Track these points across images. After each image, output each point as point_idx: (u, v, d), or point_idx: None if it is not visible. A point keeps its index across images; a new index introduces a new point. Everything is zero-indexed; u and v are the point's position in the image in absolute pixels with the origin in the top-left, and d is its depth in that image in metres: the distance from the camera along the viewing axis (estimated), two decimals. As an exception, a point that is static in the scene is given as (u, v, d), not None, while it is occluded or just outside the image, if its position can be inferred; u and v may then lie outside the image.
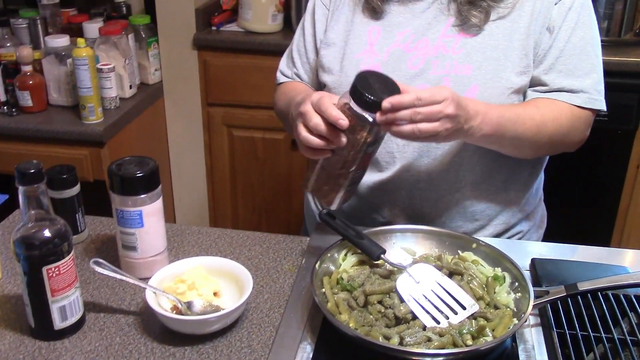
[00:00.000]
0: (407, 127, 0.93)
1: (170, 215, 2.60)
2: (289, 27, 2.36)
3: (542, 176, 1.31)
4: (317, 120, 0.96)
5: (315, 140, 0.98)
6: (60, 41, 2.05)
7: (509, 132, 1.07)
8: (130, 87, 2.21)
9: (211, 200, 2.56)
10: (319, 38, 1.26)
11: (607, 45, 1.77)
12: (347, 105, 0.94)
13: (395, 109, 0.92)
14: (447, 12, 1.14)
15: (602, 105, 1.15)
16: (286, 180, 2.46)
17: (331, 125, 0.95)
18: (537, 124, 1.09)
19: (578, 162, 2.02)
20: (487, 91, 1.10)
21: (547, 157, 1.28)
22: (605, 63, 1.19)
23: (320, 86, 1.26)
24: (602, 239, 2.31)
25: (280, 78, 1.38)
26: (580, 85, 1.13)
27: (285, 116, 1.24)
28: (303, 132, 0.99)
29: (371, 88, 0.93)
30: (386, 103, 0.92)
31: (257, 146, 2.43)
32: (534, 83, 1.15)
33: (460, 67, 1.11)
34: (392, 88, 0.95)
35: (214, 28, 2.36)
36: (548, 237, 1.34)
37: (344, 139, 0.95)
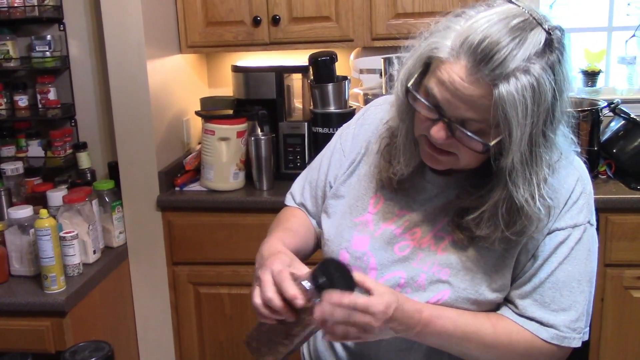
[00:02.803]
0: (340, 329, 0.96)
1: (137, 380, 2.51)
2: (250, 184, 2.42)
3: None
4: (271, 295, 0.97)
5: (265, 311, 0.99)
6: (23, 212, 2.06)
7: (451, 345, 1.08)
8: (94, 252, 2.21)
9: (179, 361, 2.49)
10: (329, 180, 1.29)
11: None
12: (304, 286, 0.97)
13: (333, 304, 0.95)
14: (444, 212, 1.13)
15: (572, 344, 1.09)
16: (255, 336, 2.41)
17: (285, 300, 0.96)
18: (486, 345, 1.07)
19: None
20: (457, 300, 1.09)
21: None
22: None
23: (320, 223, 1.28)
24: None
25: (288, 200, 1.40)
26: (553, 320, 1.08)
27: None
28: (256, 299, 1.00)
29: (331, 277, 0.97)
30: (327, 297, 0.95)
31: (224, 302, 2.41)
32: (509, 300, 1.12)
33: (439, 268, 1.10)
34: (349, 283, 0.98)
35: (177, 189, 2.42)
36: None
37: (292, 319, 0.96)
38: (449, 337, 1.06)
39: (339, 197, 1.25)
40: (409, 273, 1.12)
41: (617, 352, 2.27)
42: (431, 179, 1.16)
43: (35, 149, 2.54)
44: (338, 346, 1.23)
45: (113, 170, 2.46)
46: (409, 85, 1.02)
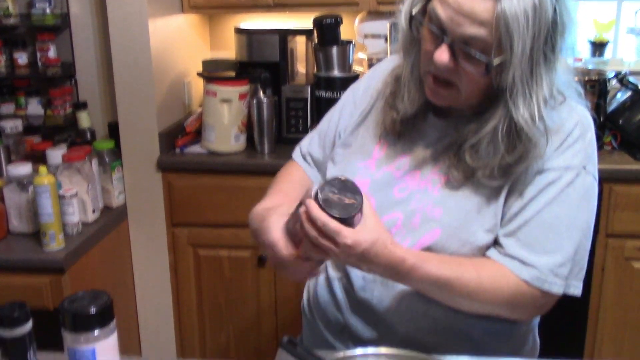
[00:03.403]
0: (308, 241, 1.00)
1: (135, 341, 2.51)
2: (251, 146, 2.40)
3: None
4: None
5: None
6: (22, 169, 2.04)
7: (435, 292, 1.08)
8: (93, 211, 2.20)
9: (177, 322, 2.49)
10: (339, 131, 1.32)
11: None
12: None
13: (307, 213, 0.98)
14: (445, 154, 1.14)
15: (552, 289, 1.07)
16: (254, 299, 2.41)
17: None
18: (468, 291, 1.07)
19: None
20: (448, 239, 1.10)
21: None
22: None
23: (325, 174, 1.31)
24: (576, 348, 2.29)
25: (295, 152, 1.42)
26: (535, 261, 1.07)
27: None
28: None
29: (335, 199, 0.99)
30: (307, 204, 0.98)
31: (223, 265, 2.40)
32: (496, 241, 1.12)
33: (432, 207, 1.11)
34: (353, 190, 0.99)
35: (177, 150, 2.39)
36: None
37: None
38: (432, 285, 1.07)
39: (346, 145, 1.27)
40: (406, 214, 1.13)
41: (616, 323, 2.27)
42: (433, 123, 1.17)
43: (34, 107, 2.51)
44: (338, 291, 1.23)
45: (113, 130, 2.43)
46: (413, 11, 1.06)
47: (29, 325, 1.09)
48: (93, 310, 0.95)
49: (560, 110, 1.08)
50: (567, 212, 1.08)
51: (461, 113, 1.13)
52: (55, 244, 1.97)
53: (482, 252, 1.12)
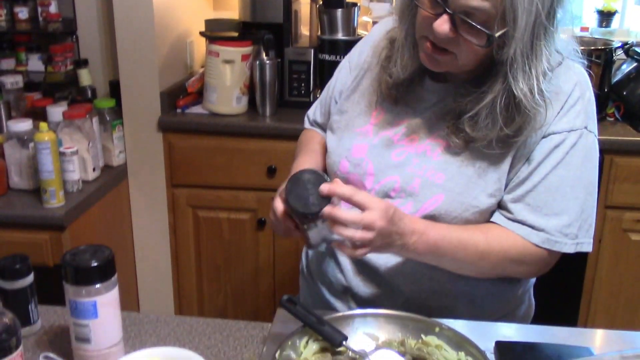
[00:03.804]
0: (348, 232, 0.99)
1: (134, 300, 2.54)
2: (253, 109, 2.39)
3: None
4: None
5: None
6: (23, 125, 2.03)
7: (447, 255, 1.08)
8: (94, 169, 2.19)
9: (176, 282, 2.51)
10: (334, 96, 1.33)
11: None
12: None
13: (332, 194, 0.99)
14: (443, 119, 1.14)
15: (564, 249, 1.10)
16: (252, 261, 2.43)
17: None
18: (479, 252, 1.08)
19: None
20: (451, 204, 1.10)
21: None
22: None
23: None
24: (570, 316, 2.31)
25: (305, 122, 1.46)
26: (544, 224, 1.09)
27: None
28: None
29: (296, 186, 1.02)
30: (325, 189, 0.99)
31: (222, 227, 2.41)
32: (502, 206, 1.13)
33: (433, 172, 1.12)
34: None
35: (179, 110, 2.38)
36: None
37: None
38: (445, 246, 1.07)
39: (342, 112, 1.27)
40: (403, 178, 1.14)
41: (610, 294, 2.29)
42: (430, 87, 1.17)
43: (35, 63, 2.49)
44: (341, 253, 1.23)
45: (114, 89, 2.42)
46: None
47: (30, 278, 1.10)
48: (95, 263, 0.96)
49: (558, 73, 1.08)
50: (572, 173, 1.10)
51: (458, 77, 1.13)
52: (55, 200, 1.97)
53: (484, 215, 1.13)
